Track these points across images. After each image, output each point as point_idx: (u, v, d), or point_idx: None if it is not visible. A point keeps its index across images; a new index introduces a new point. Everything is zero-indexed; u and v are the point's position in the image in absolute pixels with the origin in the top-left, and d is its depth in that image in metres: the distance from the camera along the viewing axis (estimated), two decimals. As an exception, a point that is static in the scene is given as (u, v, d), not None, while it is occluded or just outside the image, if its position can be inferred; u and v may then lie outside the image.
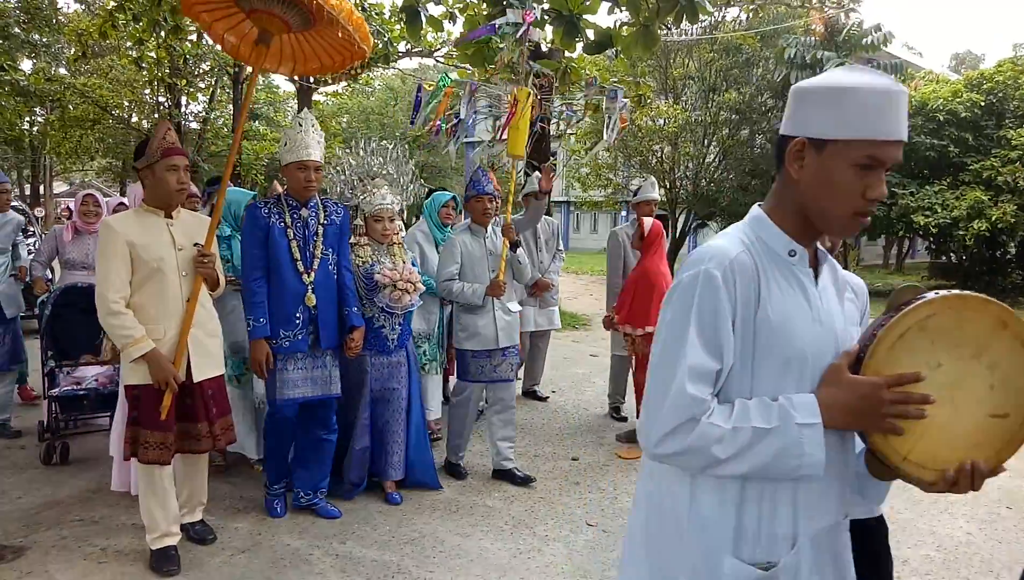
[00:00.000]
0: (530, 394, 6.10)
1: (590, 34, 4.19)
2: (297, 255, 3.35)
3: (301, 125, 3.33)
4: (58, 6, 15.28)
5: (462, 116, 4.28)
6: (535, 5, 4.14)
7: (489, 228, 4.10)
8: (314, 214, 3.43)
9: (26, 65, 16.88)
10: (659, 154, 17.68)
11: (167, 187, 2.95)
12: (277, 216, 3.35)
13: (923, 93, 15.26)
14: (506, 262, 4.00)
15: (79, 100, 15.67)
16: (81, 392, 4.30)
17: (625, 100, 4.26)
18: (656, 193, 5.19)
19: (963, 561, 3.29)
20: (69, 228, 5.16)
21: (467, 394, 4.13)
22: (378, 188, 3.73)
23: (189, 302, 2.97)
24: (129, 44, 9.17)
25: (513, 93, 4.07)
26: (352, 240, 3.70)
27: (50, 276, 5.55)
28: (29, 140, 21.07)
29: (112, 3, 8.16)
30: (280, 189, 3.95)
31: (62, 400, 4.27)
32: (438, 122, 4.24)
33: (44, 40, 15.93)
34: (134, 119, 19.93)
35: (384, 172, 3.83)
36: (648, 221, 4.71)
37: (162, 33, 8.29)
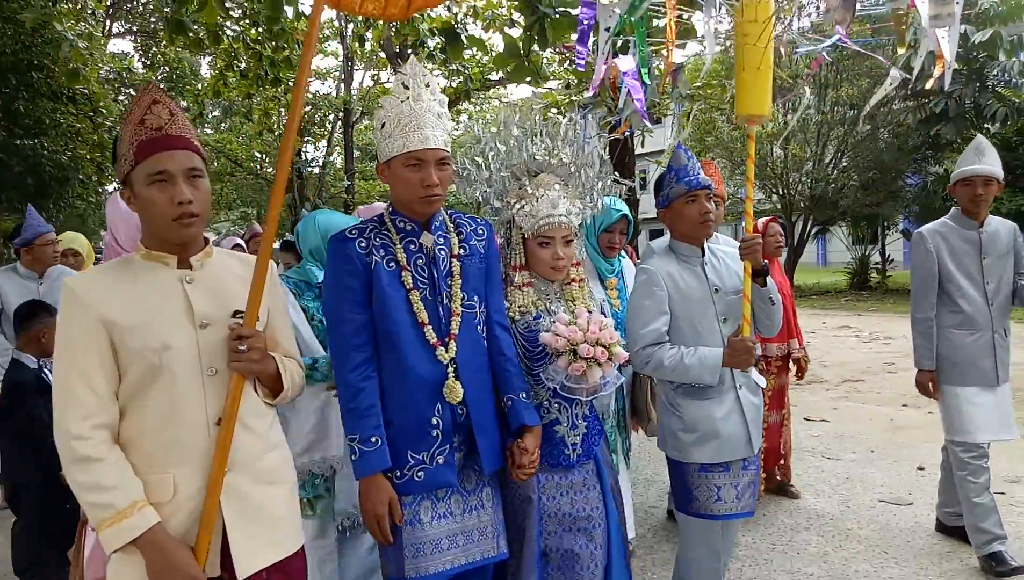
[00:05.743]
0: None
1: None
2: (423, 315, 1.94)
3: (408, 89, 1.92)
4: (201, 72, 17.05)
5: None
6: None
7: (707, 248, 2.49)
8: (443, 240, 2.03)
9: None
10: (769, 158, 16.88)
11: (157, 213, 1.57)
12: (382, 251, 1.95)
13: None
14: (751, 303, 2.37)
15: (215, 156, 17.38)
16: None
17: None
18: (991, 161, 3.12)
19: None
20: None
21: (707, 548, 2.41)
22: (546, 189, 2.21)
23: (221, 426, 1.58)
24: (239, 99, 10.08)
25: (743, 8, 2.32)
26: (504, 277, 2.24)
27: None
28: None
29: (222, 63, 9.05)
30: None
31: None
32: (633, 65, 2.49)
33: (187, 105, 17.85)
34: (270, 170, 21.85)
35: (556, 161, 2.26)
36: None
37: (265, 87, 9.10)
